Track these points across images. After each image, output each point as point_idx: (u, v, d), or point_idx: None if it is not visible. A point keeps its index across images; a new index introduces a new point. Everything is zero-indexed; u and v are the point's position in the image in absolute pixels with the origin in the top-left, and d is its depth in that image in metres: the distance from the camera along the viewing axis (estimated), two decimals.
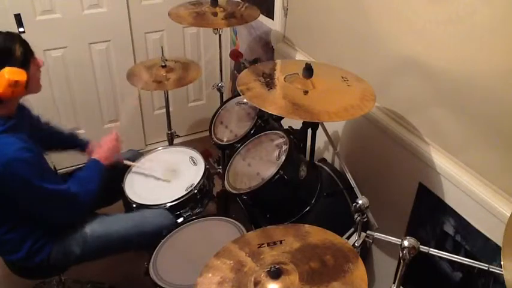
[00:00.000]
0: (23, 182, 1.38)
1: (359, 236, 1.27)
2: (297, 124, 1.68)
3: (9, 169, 1.35)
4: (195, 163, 1.94)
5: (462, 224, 1.42)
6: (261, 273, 1.01)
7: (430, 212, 1.55)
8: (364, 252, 1.87)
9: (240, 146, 1.80)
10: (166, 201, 1.74)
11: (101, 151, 1.72)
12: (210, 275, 1.04)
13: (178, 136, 2.52)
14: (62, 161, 1.94)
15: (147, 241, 1.61)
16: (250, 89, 1.47)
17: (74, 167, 1.89)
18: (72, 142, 1.88)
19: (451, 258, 1.14)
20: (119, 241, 1.68)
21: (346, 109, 1.37)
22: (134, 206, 1.75)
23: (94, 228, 1.66)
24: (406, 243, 1.06)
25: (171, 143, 2.45)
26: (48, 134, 1.78)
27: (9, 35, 1.42)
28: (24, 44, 1.43)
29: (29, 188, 1.41)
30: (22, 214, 1.52)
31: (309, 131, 1.63)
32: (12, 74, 1.36)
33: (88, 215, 1.69)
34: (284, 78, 1.52)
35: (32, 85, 1.46)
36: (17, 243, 1.54)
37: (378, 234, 1.24)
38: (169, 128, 2.42)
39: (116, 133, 1.81)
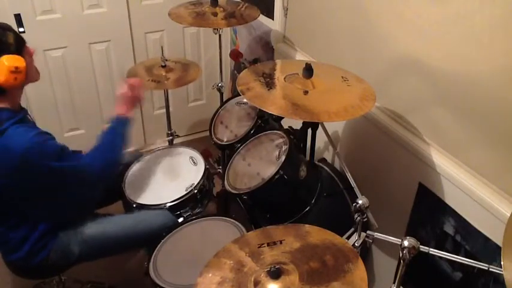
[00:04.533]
0: (42, 166, 1.40)
1: (359, 236, 1.27)
2: (297, 124, 1.68)
3: (28, 156, 1.36)
4: (195, 163, 1.94)
5: (462, 224, 1.42)
6: (261, 273, 1.01)
7: (430, 212, 1.55)
8: (364, 252, 1.87)
9: (240, 146, 1.81)
10: (166, 201, 1.74)
11: (121, 103, 1.69)
12: (210, 275, 1.04)
13: (178, 136, 2.52)
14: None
15: (148, 241, 1.61)
16: (250, 89, 1.47)
17: None
18: None
19: (451, 258, 1.14)
20: (119, 241, 1.68)
21: (346, 109, 1.37)
22: (134, 206, 1.75)
23: (93, 228, 1.66)
24: (406, 243, 1.06)
25: (171, 143, 2.45)
26: None
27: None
28: (15, 33, 1.45)
29: (48, 172, 1.42)
30: (25, 213, 1.52)
31: (309, 131, 1.63)
32: (11, 60, 1.39)
33: (88, 215, 1.69)
34: (284, 78, 1.52)
35: (30, 72, 1.48)
36: (17, 242, 1.54)
37: (378, 234, 1.24)
38: (169, 128, 2.42)
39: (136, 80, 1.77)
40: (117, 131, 1.64)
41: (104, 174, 1.57)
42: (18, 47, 1.43)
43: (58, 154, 1.44)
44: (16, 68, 1.39)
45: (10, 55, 1.39)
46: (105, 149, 1.59)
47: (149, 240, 1.61)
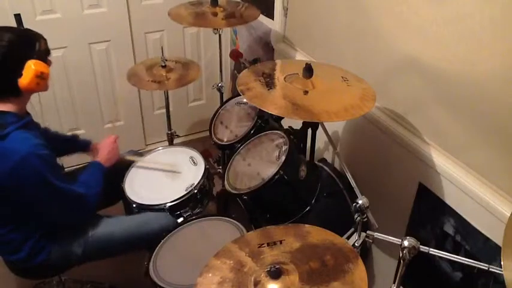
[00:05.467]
0: (38, 177, 1.39)
1: (359, 236, 1.27)
2: (297, 124, 1.68)
3: (26, 163, 1.36)
4: (195, 163, 1.94)
5: (462, 224, 1.42)
6: (261, 273, 1.01)
7: (430, 212, 1.55)
8: (364, 252, 1.87)
9: (240, 146, 1.81)
10: (166, 201, 1.74)
11: (102, 154, 1.74)
12: (210, 275, 1.04)
13: (178, 136, 2.52)
14: (63, 160, 1.94)
15: (149, 243, 1.61)
16: (250, 89, 1.47)
17: (74, 167, 1.90)
18: (75, 144, 1.90)
19: (451, 258, 1.14)
20: (120, 243, 1.68)
21: (346, 109, 1.37)
22: (134, 206, 1.75)
23: (95, 229, 1.66)
24: (406, 243, 1.06)
25: (171, 143, 2.45)
26: (51, 139, 1.79)
27: (34, 31, 1.51)
28: (46, 43, 1.50)
29: (43, 184, 1.41)
30: (25, 214, 1.51)
31: (309, 131, 1.63)
32: (38, 65, 1.42)
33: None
34: (284, 78, 1.52)
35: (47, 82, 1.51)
36: (18, 243, 1.54)
37: (378, 234, 1.24)
38: (169, 128, 2.42)
39: (115, 135, 1.82)
40: (100, 172, 1.68)
41: (90, 207, 1.60)
42: (45, 56, 1.48)
43: (54, 171, 1.44)
44: (42, 73, 1.43)
45: (38, 60, 1.43)
46: (92, 184, 1.62)
47: (151, 242, 1.61)
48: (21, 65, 1.40)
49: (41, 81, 1.44)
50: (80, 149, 1.90)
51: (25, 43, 1.43)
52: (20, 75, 1.40)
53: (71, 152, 1.88)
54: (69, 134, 1.90)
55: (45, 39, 1.50)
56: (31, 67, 1.40)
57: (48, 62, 1.49)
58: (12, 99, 1.45)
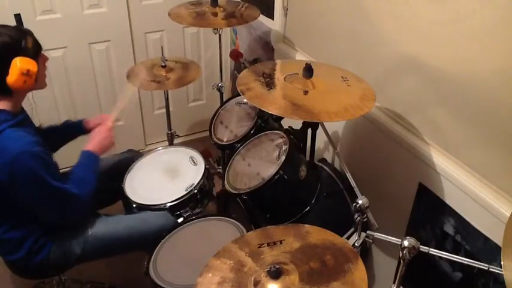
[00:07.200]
0: (32, 175, 1.39)
1: (359, 236, 1.27)
2: (297, 124, 1.68)
3: (20, 161, 1.36)
4: (195, 163, 1.94)
5: (462, 224, 1.42)
6: (261, 273, 1.01)
7: (430, 212, 1.55)
8: (364, 252, 1.87)
9: (240, 146, 1.81)
10: (166, 201, 1.74)
11: (95, 141, 1.69)
12: (210, 275, 1.04)
13: (178, 136, 2.52)
14: (61, 160, 1.93)
15: (148, 242, 1.61)
16: (250, 89, 1.47)
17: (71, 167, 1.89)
18: (70, 130, 1.87)
19: (451, 258, 1.14)
20: (120, 242, 1.68)
21: (346, 109, 1.37)
22: (134, 205, 1.75)
23: (95, 228, 1.66)
24: (406, 243, 1.06)
25: (171, 143, 2.45)
26: (47, 134, 1.78)
27: (21, 28, 1.50)
28: (35, 39, 1.49)
29: (36, 183, 1.41)
30: (23, 213, 1.51)
31: (309, 131, 1.63)
32: (24, 63, 1.41)
33: (90, 215, 1.69)
34: (284, 78, 1.52)
35: (40, 79, 1.50)
36: (17, 242, 1.54)
37: (378, 234, 1.24)
38: (169, 128, 2.42)
39: (110, 124, 1.79)
40: (92, 164, 1.65)
41: (84, 205, 1.57)
42: (35, 52, 1.46)
43: (48, 169, 1.43)
44: (28, 71, 1.42)
45: (25, 57, 1.41)
46: (84, 180, 1.59)
47: (150, 241, 1.61)
48: (7, 63, 1.39)
49: (28, 79, 1.42)
50: (76, 132, 1.86)
51: (10, 41, 1.41)
52: (7, 73, 1.39)
53: (71, 138, 1.85)
54: (61, 122, 1.86)
55: (32, 35, 1.48)
56: (16, 65, 1.39)
57: (38, 59, 1.47)
58: (4, 97, 1.45)
